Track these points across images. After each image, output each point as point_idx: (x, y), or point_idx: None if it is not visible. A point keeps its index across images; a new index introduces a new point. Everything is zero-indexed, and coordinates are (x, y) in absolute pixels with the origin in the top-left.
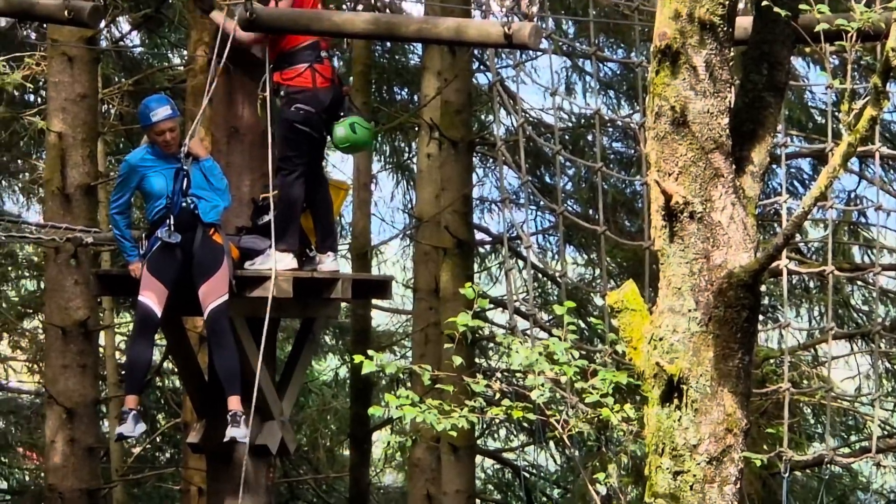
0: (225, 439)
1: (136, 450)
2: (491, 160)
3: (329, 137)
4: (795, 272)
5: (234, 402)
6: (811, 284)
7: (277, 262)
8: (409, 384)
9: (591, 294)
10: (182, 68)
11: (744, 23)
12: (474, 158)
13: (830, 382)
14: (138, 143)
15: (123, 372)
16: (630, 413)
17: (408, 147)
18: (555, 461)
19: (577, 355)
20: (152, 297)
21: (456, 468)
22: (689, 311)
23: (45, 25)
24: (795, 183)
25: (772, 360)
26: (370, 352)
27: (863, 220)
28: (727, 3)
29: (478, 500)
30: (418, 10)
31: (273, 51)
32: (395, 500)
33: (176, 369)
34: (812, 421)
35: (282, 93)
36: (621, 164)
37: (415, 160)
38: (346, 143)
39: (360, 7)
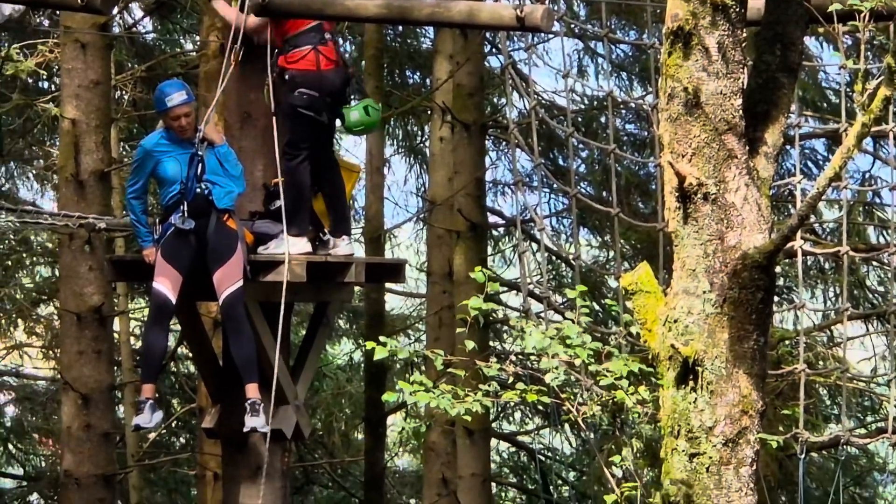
0: (245, 429)
1: (152, 435)
2: (504, 143)
3: (340, 120)
4: (810, 253)
5: (252, 391)
6: (826, 265)
7: (291, 247)
8: (423, 367)
9: (605, 276)
10: (195, 54)
11: (756, 3)
12: (487, 141)
13: (846, 363)
14: (151, 130)
15: (139, 359)
16: (645, 395)
17: (420, 131)
18: (570, 444)
19: (590, 339)
20: (167, 284)
21: (471, 451)
22: (704, 292)
23: (57, 13)
24: (809, 164)
25: (787, 342)
26: (382, 338)
27: (877, 200)
28: None
29: (493, 484)
30: None
31: (278, 35)
32: (410, 483)
33: (190, 354)
34: (828, 402)
35: (286, 77)
36: (634, 146)
37: (427, 144)
38: (361, 126)
39: None
